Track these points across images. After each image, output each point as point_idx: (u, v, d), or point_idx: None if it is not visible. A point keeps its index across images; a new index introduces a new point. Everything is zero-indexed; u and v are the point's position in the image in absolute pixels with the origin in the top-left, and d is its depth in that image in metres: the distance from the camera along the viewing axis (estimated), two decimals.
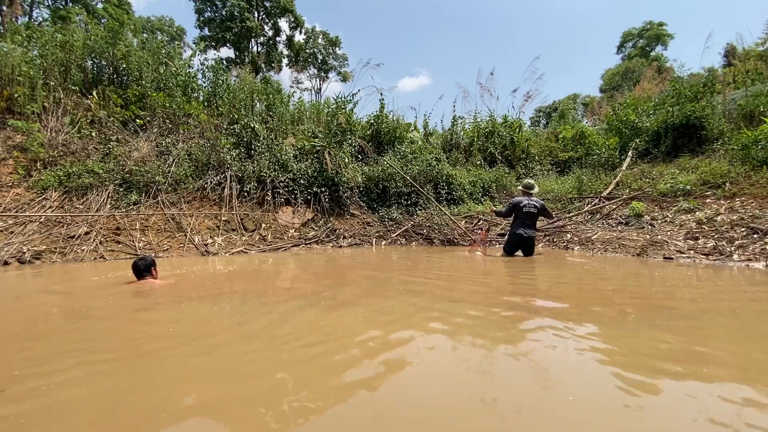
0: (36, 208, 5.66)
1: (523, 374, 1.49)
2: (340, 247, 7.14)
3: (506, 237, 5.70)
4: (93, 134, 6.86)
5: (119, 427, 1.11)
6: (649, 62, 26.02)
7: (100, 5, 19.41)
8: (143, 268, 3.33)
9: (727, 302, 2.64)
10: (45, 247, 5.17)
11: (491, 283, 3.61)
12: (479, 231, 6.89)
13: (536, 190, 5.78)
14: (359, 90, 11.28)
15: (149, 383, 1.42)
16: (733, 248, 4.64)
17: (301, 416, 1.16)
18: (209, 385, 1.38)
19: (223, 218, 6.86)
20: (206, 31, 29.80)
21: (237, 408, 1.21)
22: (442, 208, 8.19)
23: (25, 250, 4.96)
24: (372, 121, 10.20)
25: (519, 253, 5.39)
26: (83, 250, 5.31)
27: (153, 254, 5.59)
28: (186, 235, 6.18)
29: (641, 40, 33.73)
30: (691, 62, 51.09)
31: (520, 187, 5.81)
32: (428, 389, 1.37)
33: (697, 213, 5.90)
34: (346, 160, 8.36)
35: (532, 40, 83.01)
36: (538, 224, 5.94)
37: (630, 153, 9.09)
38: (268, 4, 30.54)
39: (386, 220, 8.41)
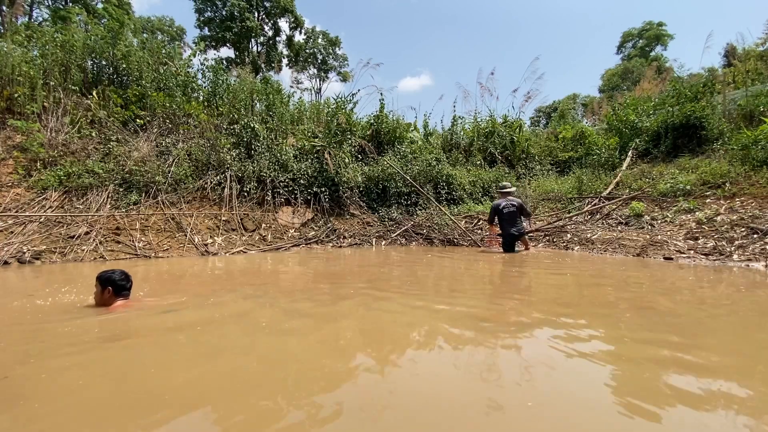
0: (36, 208, 5.66)
1: (516, 377, 1.48)
2: (340, 247, 7.14)
3: (501, 238, 6.21)
4: (93, 134, 6.85)
5: (121, 411, 1.12)
6: (648, 62, 26.02)
7: (100, 5, 19.40)
8: (130, 286, 2.48)
9: (726, 304, 2.64)
10: (45, 247, 5.17)
11: (491, 284, 3.60)
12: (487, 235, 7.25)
13: (512, 189, 6.34)
14: (359, 90, 11.26)
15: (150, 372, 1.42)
16: (733, 248, 4.64)
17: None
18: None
19: (223, 218, 6.86)
20: (206, 31, 29.79)
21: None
22: (442, 208, 8.19)
23: (25, 250, 4.96)
24: (372, 121, 10.19)
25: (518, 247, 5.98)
26: (83, 250, 5.31)
27: (153, 254, 5.59)
28: (186, 235, 6.18)
29: (641, 41, 33.73)
30: (691, 62, 51.25)
31: (497, 191, 6.33)
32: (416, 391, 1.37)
33: (697, 213, 5.90)
34: (346, 160, 8.35)
35: (532, 41, 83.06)
36: (539, 224, 6.33)
37: (630, 153, 9.09)
38: (268, 4, 30.53)
39: (386, 220, 8.40)
